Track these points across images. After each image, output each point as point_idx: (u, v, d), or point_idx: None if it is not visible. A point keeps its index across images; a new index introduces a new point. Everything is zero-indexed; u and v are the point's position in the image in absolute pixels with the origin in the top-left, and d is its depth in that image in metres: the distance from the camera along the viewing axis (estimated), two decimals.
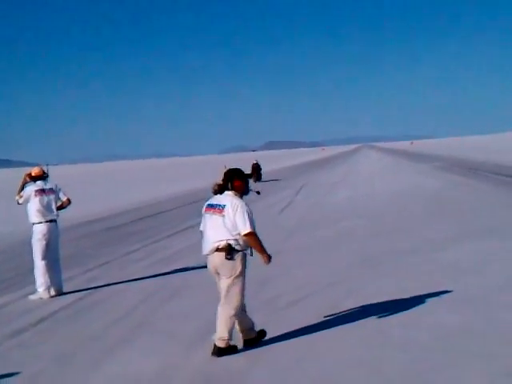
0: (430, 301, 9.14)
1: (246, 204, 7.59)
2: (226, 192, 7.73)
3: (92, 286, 12.09)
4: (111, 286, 11.96)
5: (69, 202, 12.13)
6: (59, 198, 11.97)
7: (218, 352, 7.53)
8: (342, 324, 8.37)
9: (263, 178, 47.04)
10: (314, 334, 8.05)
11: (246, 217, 7.43)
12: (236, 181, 7.71)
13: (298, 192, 33.15)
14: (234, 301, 7.55)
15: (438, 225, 16.95)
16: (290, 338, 7.93)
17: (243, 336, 7.82)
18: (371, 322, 8.36)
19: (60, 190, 12.08)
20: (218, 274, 7.67)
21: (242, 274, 7.60)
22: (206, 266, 13.23)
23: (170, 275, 12.68)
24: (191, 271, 12.89)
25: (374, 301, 9.38)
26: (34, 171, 11.94)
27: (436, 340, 7.45)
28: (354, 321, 8.45)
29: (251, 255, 7.69)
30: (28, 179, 11.88)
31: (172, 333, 8.59)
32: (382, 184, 34.21)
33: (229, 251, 7.46)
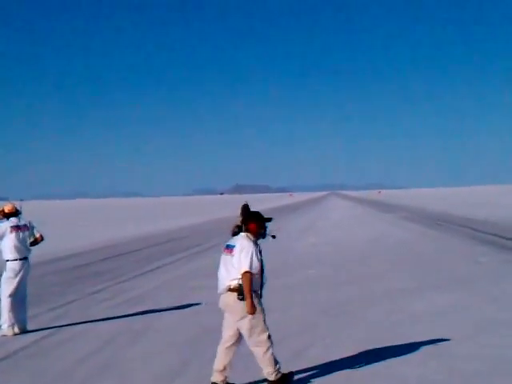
0: (394, 352, 9.19)
1: (255, 246, 7.69)
2: (240, 233, 7.88)
3: (56, 325, 11.97)
4: (75, 326, 11.84)
5: (42, 238, 12.08)
6: (33, 234, 11.91)
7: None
8: (305, 373, 8.38)
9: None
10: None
11: (249, 257, 7.52)
12: (251, 223, 7.88)
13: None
14: (262, 338, 7.65)
15: (403, 275, 17.10)
16: None
17: (218, 375, 7.83)
18: (335, 372, 8.38)
19: (34, 227, 12.04)
20: (229, 312, 7.76)
21: (259, 312, 7.64)
22: (169, 309, 13.33)
23: (135, 317, 12.58)
24: (156, 313, 12.85)
25: (339, 350, 9.41)
26: (7, 208, 11.85)
27: None
28: (317, 370, 8.48)
29: (260, 296, 7.79)
30: (0, 216, 11.80)
31: (135, 376, 8.54)
32: (348, 232, 34.44)
33: (240, 291, 7.54)
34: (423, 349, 9.33)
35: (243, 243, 7.68)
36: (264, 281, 7.82)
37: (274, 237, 8.31)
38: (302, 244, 28.47)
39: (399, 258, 21.50)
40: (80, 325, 11.94)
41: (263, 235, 8.02)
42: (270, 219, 8.06)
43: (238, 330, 7.75)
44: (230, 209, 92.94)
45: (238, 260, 7.59)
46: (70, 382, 8.35)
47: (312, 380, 8.12)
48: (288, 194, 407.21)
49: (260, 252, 7.73)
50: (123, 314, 12.90)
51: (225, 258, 7.81)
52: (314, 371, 8.46)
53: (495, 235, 29.09)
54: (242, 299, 7.53)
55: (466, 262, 19.39)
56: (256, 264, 7.58)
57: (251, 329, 7.63)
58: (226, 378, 7.84)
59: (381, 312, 12.26)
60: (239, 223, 7.97)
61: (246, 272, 7.49)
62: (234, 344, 7.82)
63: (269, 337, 7.70)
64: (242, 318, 7.62)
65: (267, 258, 23.45)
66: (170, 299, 14.43)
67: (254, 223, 7.90)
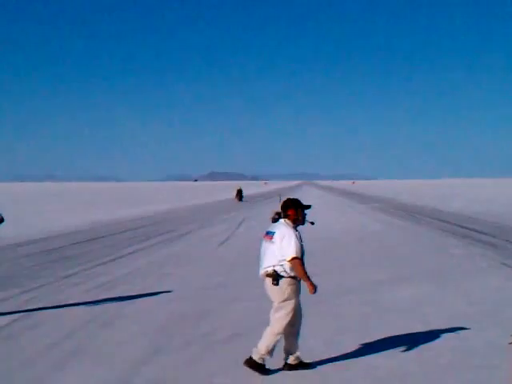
0: (365, 343, 9.24)
1: (295, 232, 7.85)
2: (280, 220, 8.05)
3: (28, 308, 11.87)
4: (47, 310, 11.74)
5: (2, 220, 11.83)
6: None
7: (248, 362, 7.92)
8: (278, 362, 8.35)
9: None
10: (251, 371, 8.03)
11: (293, 243, 7.71)
12: (289, 210, 8.02)
13: (240, 225, 33.20)
14: (279, 322, 7.87)
15: (376, 266, 17.18)
16: (225, 374, 7.93)
17: (284, 357, 8.13)
18: (307, 361, 8.40)
19: None
20: (268, 296, 8.03)
21: (291, 299, 7.84)
22: (142, 295, 13.28)
23: (108, 301, 12.50)
24: (129, 299, 12.77)
25: (310, 340, 9.41)
26: None
27: (372, 382, 7.55)
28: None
29: (298, 281, 7.91)
30: None
31: (107, 361, 8.53)
32: (322, 222, 34.46)
33: (275, 277, 7.78)
34: (395, 340, 9.37)
35: (283, 230, 7.85)
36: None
37: (312, 223, 8.45)
38: None
39: (372, 249, 21.60)
40: (52, 309, 11.85)
41: (302, 222, 8.14)
42: (308, 206, 8.16)
43: None
44: (203, 196, 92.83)
45: (278, 247, 7.78)
46: (42, 366, 8.28)
47: (281, 370, 8.12)
48: (263, 181, 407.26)
49: (300, 238, 7.86)
50: (96, 298, 12.81)
51: (265, 244, 8.02)
52: (284, 362, 8.47)
53: (467, 228, 29.36)
54: (276, 284, 7.78)
55: (438, 255, 19.54)
56: (298, 250, 7.75)
57: (279, 309, 7.86)
58: (290, 359, 8.12)
59: (352, 303, 12.29)
60: (279, 210, 8.13)
61: (294, 258, 7.69)
62: (288, 326, 7.97)
63: (284, 329, 7.87)
64: (278, 302, 7.87)
65: (247, 244, 23.41)
66: (143, 285, 14.38)
67: (293, 210, 8.02)
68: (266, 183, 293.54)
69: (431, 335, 9.64)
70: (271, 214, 8.20)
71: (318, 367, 8.19)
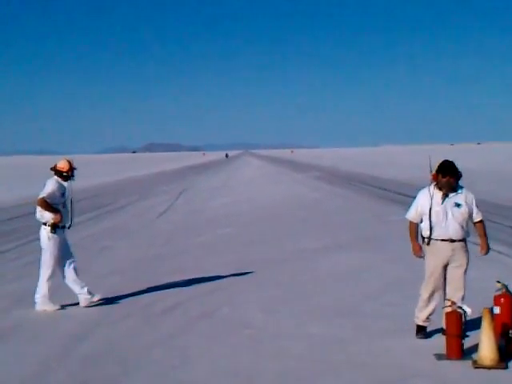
0: (301, 311, 9.35)
1: (421, 193, 8.08)
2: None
3: None
4: None
5: None
6: None
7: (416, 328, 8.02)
8: (216, 332, 8.46)
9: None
10: (189, 341, 8.10)
11: (412, 204, 8.18)
12: (434, 173, 7.91)
13: (178, 197, 33.06)
14: (425, 280, 7.98)
15: (314, 235, 17.30)
16: (164, 345, 7.95)
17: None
18: (245, 330, 8.48)
19: None
20: None
21: (426, 259, 8.02)
22: (80, 269, 13.04)
23: None
24: None
25: (248, 309, 9.52)
26: None
27: (308, 350, 7.63)
28: (227, 329, 8.56)
29: (427, 244, 8.01)
30: None
31: (45, 337, 8.46)
32: (261, 192, 34.61)
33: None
34: (330, 308, 9.50)
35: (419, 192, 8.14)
36: (432, 227, 7.99)
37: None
38: (216, 203, 28.50)
39: (310, 217, 21.73)
40: None
41: (449, 188, 7.87)
42: (454, 173, 7.79)
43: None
44: (142, 168, 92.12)
45: None
46: None
47: (220, 337, 8.20)
48: (201, 152, 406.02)
49: (439, 201, 7.85)
50: (32, 274, 12.57)
51: None
52: (222, 329, 8.55)
53: (403, 194, 29.75)
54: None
55: (375, 222, 19.78)
56: (411, 213, 8.27)
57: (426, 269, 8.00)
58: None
59: (290, 272, 12.38)
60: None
61: (408, 219, 8.27)
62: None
63: (424, 290, 7.92)
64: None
65: (185, 216, 23.23)
66: (81, 259, 14.18)
67: (435, 173, 7.92)
68: (204, 154, 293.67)
69: (366, 302, 9.78)
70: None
71: (254, 336, 8.24)
